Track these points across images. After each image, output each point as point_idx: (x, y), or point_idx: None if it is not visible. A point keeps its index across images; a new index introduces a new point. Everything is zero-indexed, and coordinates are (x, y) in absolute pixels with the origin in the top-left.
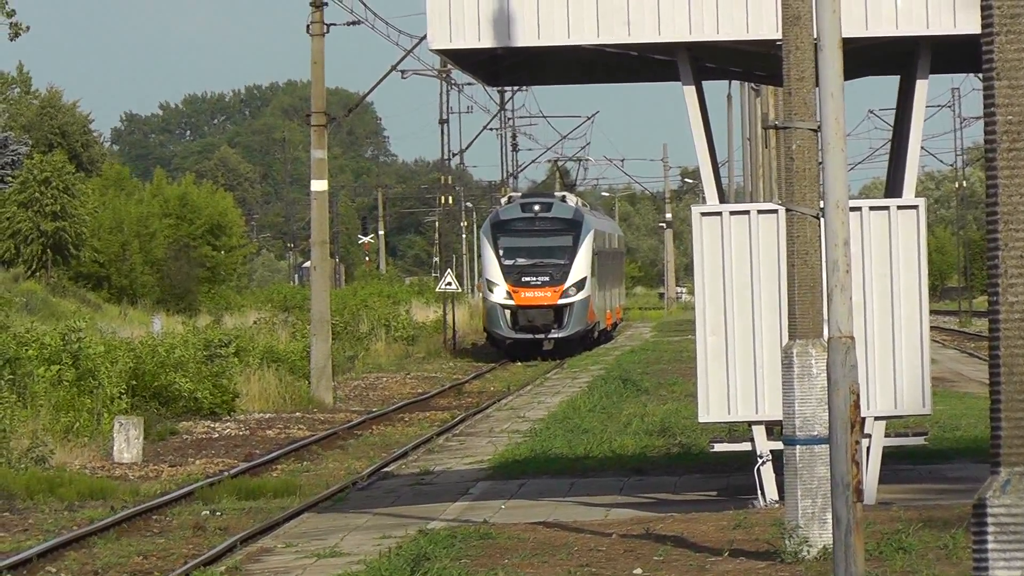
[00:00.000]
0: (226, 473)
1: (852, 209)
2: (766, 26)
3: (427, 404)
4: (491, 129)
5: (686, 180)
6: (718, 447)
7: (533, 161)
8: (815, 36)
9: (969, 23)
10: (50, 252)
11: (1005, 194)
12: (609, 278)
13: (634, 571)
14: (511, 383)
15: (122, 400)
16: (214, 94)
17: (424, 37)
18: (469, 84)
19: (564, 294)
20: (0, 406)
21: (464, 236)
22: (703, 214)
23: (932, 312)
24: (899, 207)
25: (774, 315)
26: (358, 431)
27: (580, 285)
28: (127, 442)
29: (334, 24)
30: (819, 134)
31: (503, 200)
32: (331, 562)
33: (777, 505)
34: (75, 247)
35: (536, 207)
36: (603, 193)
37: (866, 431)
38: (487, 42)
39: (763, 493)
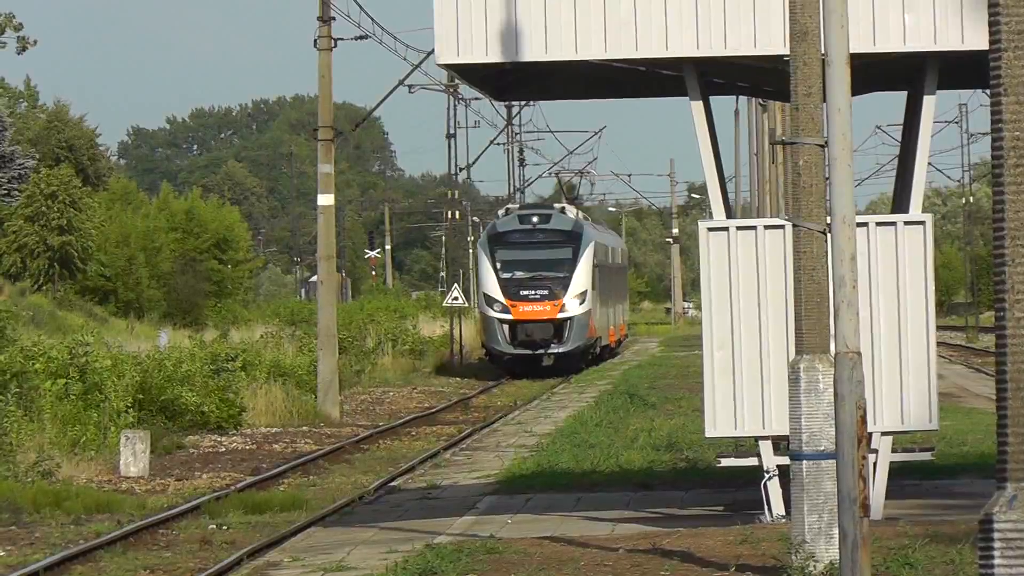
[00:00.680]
0: (233, 487)
1: (859, 225)
2: (774, 41)
3: (434, 418)
4: (498, 144)
5: (693, 195)
6: (725, 462)
7: (540, 176)
8: (823, 52)
9: (977, 39)
10: (57, 266)
11: (1012, 210)
12: (611, 293)
13: None
14: (518, 398)
15: (129, 414)
16: (221, 108)
17: (432, 52)
18: (476, 99)
19: (563, 308)
20: (7, 420)
21: (471, 251)
22: (710, 229)
23: (939, 328)
24: (906, 223)
25: (781, 330)
26: (365, 445)
27: (580, 298)
28: (134, 456)
29: (341, 39)
30: (826, 149)
31: (500, 212)
32: None
33: (784, 520)
34: (82, 261)
35: (534, 219)
36: (610, 208)
37: (873, 446)
38: (495, 57)
39: (770, 508)
